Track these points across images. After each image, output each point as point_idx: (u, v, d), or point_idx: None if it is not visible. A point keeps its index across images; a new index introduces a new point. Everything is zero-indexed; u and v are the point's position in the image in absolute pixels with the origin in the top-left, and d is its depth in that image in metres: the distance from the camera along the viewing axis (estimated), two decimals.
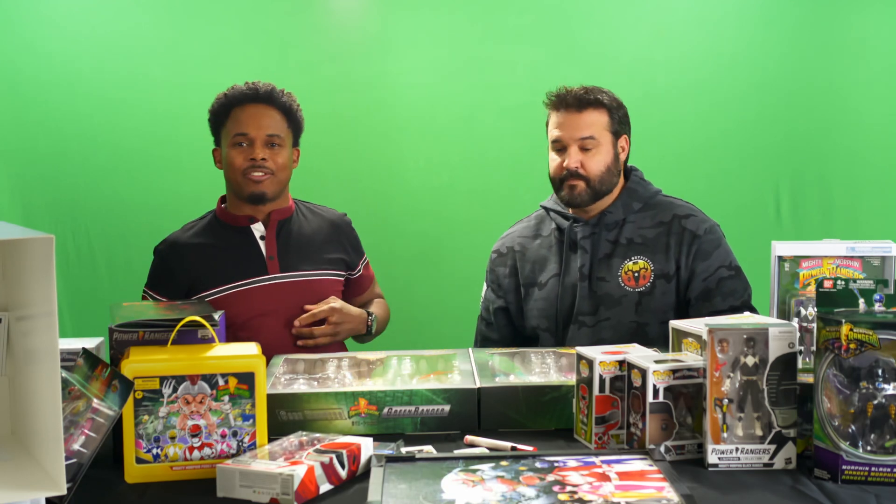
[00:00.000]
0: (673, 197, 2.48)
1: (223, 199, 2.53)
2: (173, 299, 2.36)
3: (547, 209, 2.50)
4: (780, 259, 1.85)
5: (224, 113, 2.44)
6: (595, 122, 2.36)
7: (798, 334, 1.67)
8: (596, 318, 2.36)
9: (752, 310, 2.27)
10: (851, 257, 1.84)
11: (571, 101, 2.35)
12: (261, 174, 2.38)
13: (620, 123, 2.40)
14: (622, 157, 2.43)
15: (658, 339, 2.22)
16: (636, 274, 2.35)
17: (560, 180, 2.38)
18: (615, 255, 2.38)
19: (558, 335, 2.40)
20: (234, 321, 2.31)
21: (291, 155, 2.48)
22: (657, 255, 2.36)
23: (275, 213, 2.46)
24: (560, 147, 2.38)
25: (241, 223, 2.46)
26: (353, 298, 2.58)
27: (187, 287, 2.41)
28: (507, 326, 2.53)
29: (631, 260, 2.36)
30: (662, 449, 1.63)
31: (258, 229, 2.45)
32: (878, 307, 1.55)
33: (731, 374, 1.60)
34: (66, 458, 1.42)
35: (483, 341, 2.55)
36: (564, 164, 2.36)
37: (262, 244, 2.43)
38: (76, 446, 1.48)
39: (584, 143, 2.35)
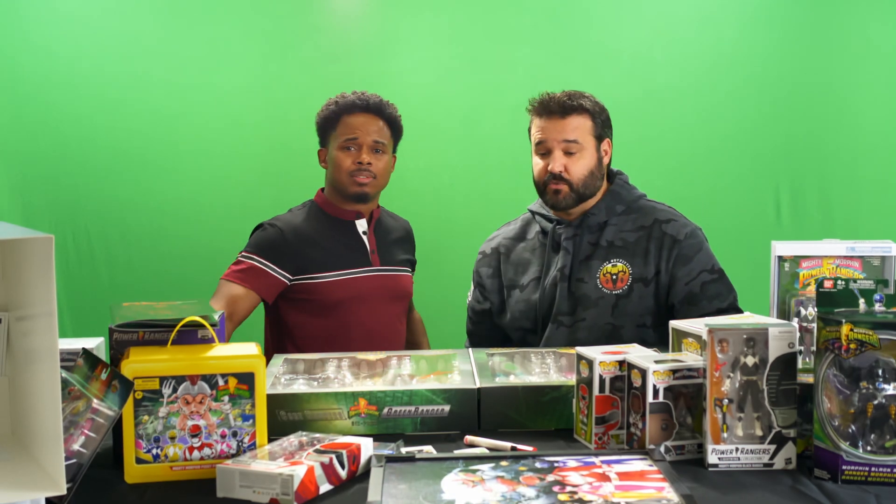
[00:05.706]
0: (656, 201, 2.48)
1: (322, 191, 2.72)
2: (282, 269, 2.55)
3: (533, 212, 2.53)
4: (780, 259, 1.85)
5: (335, 119, 2.65)
6: (579, 127, 2.38)
7: (798, 334, 1.67)
8: (573, 318, 2.37)
9: (739, 312, 2.27)
10: (851, 257, 1.84)
11: (555, 108, 2.38)
12: (364, 177, 2.61)
13: (603, 127, 2.42)
14: (605, 160, 2.45)
15: (632, 342, 2.20)
16: (614, 276, 2.36)
17: (544, 184, 2.40)
18: (595, 256, 2.39)
19: (538, 335, 2.41)
20: (339, 302, 2.58)
21: (391, 161, 2.69)
22: (636, 258, 2.37)
23: (374, 212, 2.71)
24: (544, 151, 2.40)
25: (348, 217, 2.66)
26: None
27: (298, 265, 2.57)
28: (491, 328, 2.55)
29: (610, 262, 2.37)
30: (662, 449, 1.63)
31: (361, 225, 2.67)
32: (878, 307, 1.54)
33: (731, 374, 1.60)
34: (66, 459, 1.42)
35: (469, 339, 2.59)
36: (549, 168, 2.37)
37: (364, 238, 2.66)
38: (76, 446, 1.48)
39: (568, 146, 2.37)
